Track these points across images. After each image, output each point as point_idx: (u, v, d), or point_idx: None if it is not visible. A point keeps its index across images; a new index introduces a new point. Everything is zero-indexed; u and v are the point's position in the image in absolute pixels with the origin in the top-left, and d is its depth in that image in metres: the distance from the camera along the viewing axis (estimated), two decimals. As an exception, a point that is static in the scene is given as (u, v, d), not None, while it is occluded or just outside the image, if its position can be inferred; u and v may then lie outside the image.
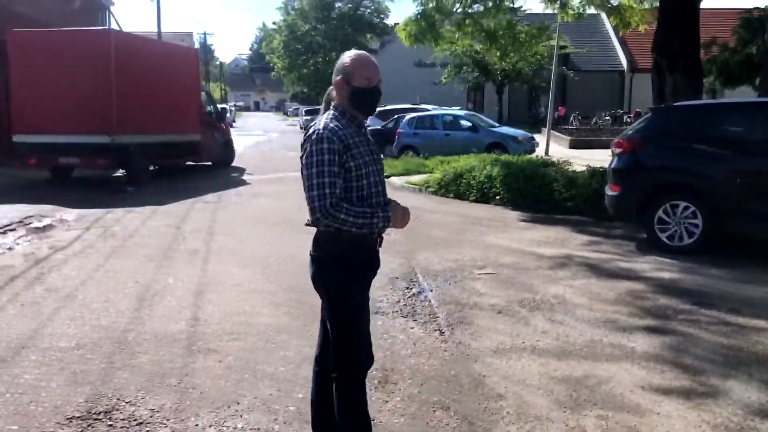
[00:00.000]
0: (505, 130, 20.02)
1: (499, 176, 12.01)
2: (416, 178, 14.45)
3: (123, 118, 14.06)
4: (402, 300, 5.95)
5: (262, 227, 9.40)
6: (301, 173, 2.83)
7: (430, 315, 5.55)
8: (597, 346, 4.81)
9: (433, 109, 23.34)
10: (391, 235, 8.74)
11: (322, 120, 2.84)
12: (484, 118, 21.03)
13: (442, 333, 5.11)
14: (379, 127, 22.55)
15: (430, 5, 14.06)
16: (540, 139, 21.15)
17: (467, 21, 14.49)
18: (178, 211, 10.93)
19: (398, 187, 14.28)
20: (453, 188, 12.67)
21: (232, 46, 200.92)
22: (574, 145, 24.11)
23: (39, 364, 4.32)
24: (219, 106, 22.43)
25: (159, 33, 32.19)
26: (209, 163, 18.72)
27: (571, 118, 33.18)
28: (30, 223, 9.49)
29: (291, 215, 9.61)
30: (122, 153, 14.51)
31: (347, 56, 2.94)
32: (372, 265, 2.99)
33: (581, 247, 8.31)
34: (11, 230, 9.00)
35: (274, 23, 59.37)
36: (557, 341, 4.91)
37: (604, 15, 25.35)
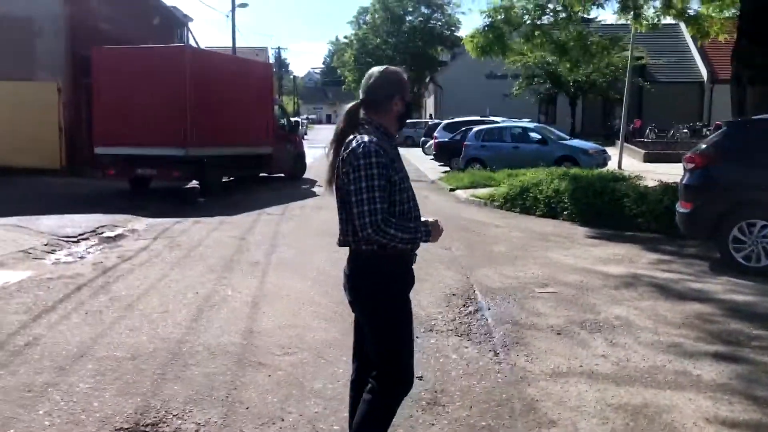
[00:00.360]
0: (576, 142, 19.59)
1: (567, 190, 11.73)
2: (481, 192, 14.27)
3: (197, 132, 14.45)
4: (458, 318, 5.83)
5: (323, 240, 9.41)
6: (338, 188, 2.81)
7: (485, 335, 5.41)
8: (659, 373, 4.56)
9: (502, 122, 23.08)
10: (451, 249, 8.67)
11: (362, 135, 2.77)
12: (554, 131, 20.62)
13: (496, 354, 4.97)
14: (446, 140, 22.50)
15: (499, 17, 13.90)
16: (613, 152, 20.59)
17: (536, 32, 14.24)
18: (244, 222, 11.13)
19: (463, 201, 14.16)
20: (519, 202, 12.44)
21: (306, 60, 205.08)
22: (648, 159, 23.34)
23: (95, 373, 4.42)
24: (292, 119, 22.82)
25: (234, 48, 33.13)
26: (282, 174, 19.06)
27: (647, 130, 32.14)
28: (102, 233, 9.84)
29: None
30: (196, 165, 14.91)
31: (398, 73, 2.93)
32: (410, 280, 2.95)
33: (650, 266, 7.97)
34: (84, 239, 9.35)
35: (345, 37, 60.21)
36: (617, 366, 4.69)
37: (682, 25, 24.50)
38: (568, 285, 6.96)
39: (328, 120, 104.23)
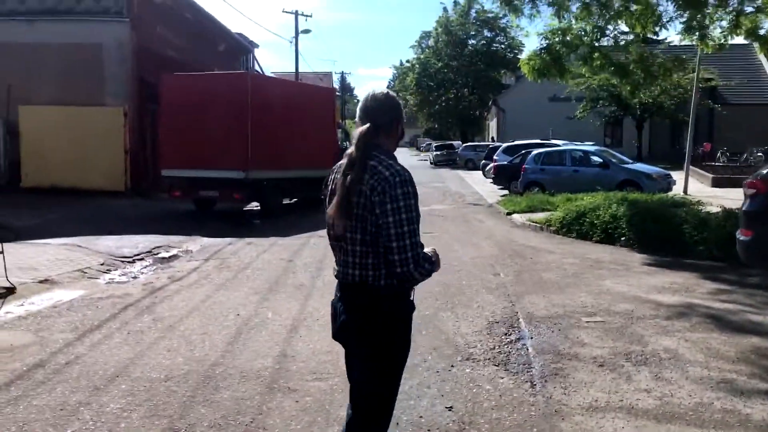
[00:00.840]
0: (639, 166, 19.00)
1: (626, 216, 11.37)
2: (538, 216, 13.98)
3: (257, 155, 14.75)
4: (497, 347, 5.67)
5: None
6: (356, 218, 2.62)
7: (524, 365, 5.24)
8: (706, 410, 4.30)
9: (563, 145, 22.67)
10: (500, 275, 8.50)
11: (392, 164, 2.60)
12: (617, 154, 20.09)
13: (533, 385, 4.79)
14: (506, 163, 22.25)
15: (556, 39, 13.69)
16: (681, 176, 19.89)
17: (595, 55, 13.94)
18: (295, 244, 11.21)
19: (519, 225, 13.90)
20: (575, 228, 12.12)
21: (370, 84, 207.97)
22: (717, 184, 22.44)
23: (126, 394, 4.48)
24: (355, 142, 22.96)
25: (296, 74, 33.87)
26: None
27: (719, 154, 30.97)
28: (158, 254, 10.09)
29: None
30: (256, 187, 15.22)
31: (396, 97, 2.84)
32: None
33: (707, 295, 7.60)
34: (140, 260, 9.61)
35: (407, 61, 60.59)
36: (660, 401, 4.45)
37: (757, 44, 23.61)
38: (617, 314, 6.69)
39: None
